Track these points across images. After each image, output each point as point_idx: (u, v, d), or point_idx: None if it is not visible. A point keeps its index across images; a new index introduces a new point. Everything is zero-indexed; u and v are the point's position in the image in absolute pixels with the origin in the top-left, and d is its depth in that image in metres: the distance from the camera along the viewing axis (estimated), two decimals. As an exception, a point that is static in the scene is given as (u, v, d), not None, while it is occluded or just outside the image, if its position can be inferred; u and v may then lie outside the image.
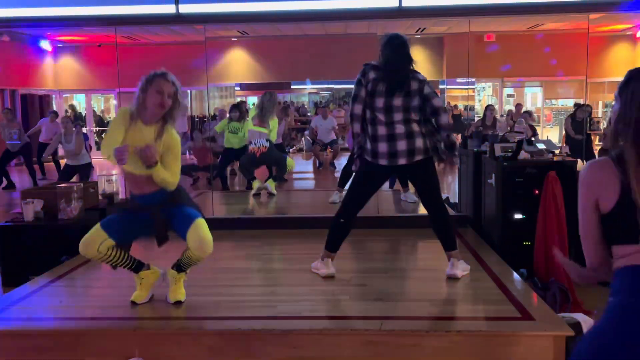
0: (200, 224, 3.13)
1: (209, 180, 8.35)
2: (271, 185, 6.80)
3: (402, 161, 3.54)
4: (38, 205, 4.79)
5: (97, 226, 3.22)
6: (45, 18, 5.96)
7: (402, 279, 3.83)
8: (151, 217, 3.16)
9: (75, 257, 4.42)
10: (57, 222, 4.75)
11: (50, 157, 10.53)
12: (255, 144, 6.70)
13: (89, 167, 8.04)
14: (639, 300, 1.58)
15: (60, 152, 10.04)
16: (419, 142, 3.54)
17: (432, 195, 3.71)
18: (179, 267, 3.27)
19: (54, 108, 15.05)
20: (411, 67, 3.66)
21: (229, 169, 8.64)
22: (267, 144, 6.69)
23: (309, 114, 14.24)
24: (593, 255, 1.69)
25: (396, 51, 3.60)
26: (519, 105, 11.01)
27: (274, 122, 6.76)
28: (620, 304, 1.60)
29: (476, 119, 8.56)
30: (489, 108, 8.38)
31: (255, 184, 6.87)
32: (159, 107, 3.06)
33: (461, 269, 3.71)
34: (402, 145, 3.52)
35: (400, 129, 3.53)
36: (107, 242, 3.16)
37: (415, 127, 3.55)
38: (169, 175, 3.09)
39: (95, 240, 3.16)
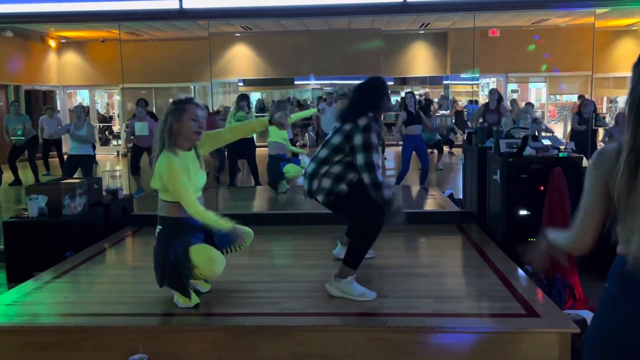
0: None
1: (217, 178, 8.35)
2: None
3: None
4: (42, 201, 4.80)
5: (204, 247, 3.17)
6: (48, 14, 5.95)
7: (406, 276, 3.82)
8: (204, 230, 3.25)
9: (80, 253, 4.43)
10: (62, 218, 4.75)
11: (56, 152, 10.53)
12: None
13: (91, 159, 8.05)
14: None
15: (64, 148, 10.06)
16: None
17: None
18: None
19: (58, 104, 15.08)
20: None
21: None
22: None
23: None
24: (585, 242, 1.69)
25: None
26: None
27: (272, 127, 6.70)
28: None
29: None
30: (492, 92, 8.26)
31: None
32: (197, 134, 3.12)
33: (337, 288, 3.31)
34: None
35: None
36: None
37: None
38: (235, 126, 3.73)
39: (219, 258, 3.17)
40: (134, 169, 8.05)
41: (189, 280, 3.17)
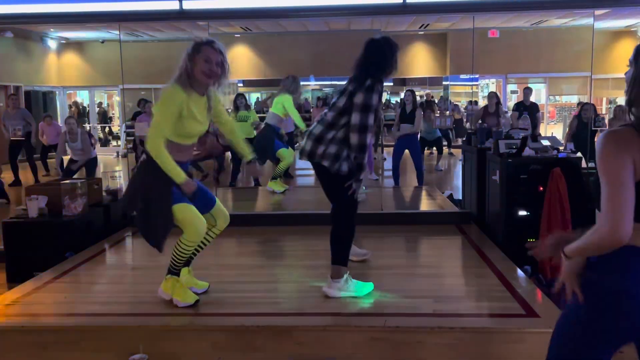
0: (219, 204, 3.32)
1: (216, 178, 8.37)
2: (272, 186, 6.73)
3: None
4: (42, 201, 4.80)
5: (185, 205, 3.05)
6: (49, 14, 5.96)
7: (405, 276, 3.83)
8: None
9: (79, 254, 4.44)
10: (62, 219, 4.75)
11: (55, 153, 10.52)
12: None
13: (94, 161, 8.05)
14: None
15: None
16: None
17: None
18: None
19: (57, 104, 15.07)
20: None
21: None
22: (262, 125, 6.52)
23: (311, 109, 14.21)
24: (628, 227, 1.54)
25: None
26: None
27: (277, 99, 6.43)
28: (619, 288, 1.60)
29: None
30: (490, 96, 8.27)
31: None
32: (207, 76, 3.00)
33: (337, 289, 3.33)
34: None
35: None
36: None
37: None
38: (238, 130, 3.39)
39: (201, 219, 3.10)
40: None
41: (167, 234, 3.08)
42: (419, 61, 15.00)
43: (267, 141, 6.46)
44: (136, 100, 11.47)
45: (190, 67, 2.99)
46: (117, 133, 16.05)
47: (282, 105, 6.42)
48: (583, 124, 8.02)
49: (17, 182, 9.63)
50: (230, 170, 8.39)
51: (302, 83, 6.78)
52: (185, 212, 3.04)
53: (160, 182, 2.98)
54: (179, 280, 3.23)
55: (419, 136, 8.20)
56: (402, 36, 13.95)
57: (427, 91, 15.69)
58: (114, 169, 10.55)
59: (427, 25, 11.25)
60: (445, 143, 13.00)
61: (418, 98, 8.81)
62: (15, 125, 9.40)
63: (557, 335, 1.76)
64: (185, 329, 2.97)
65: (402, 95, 8.52)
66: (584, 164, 5.06)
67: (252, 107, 12.67)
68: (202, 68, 2.98)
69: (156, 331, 2.97)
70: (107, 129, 16.41)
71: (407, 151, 7.87)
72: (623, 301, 1.59)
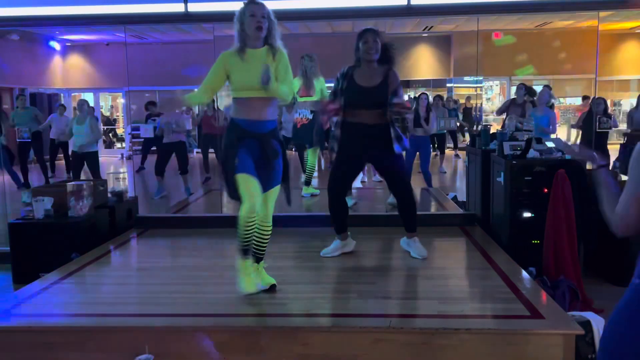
0: (273, 194, 3.46)
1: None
2: (306, 191, 6.52)
3: None
4: (48, 203, 4.82)
5: (245, 176, 3.21)
6: (54, 17, 5.99)
7: (410, 277, 3.83)
8: (261, 144, 3.26)
9: (85, 255, 4.46)
10: (67, 220, 4.78)
11: (62, 155, 10.54)
12: (299, 114, 6.19)
13: (96, 155, 8.03)
14: None
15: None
16: None
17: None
18: (256, 258, 3.41)
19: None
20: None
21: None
22: (310, 116, 6.12)
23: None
24: (627, 231, 1.66)
25: None
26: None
27: (319, 83, 6.09)
28: None
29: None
30: (519, 87, 8.13)
31: None
32: (257, 29, 3.25)
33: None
34: None
35: None
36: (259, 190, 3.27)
37: None
38: (285, 88, 3.28)
39: (256, 190, 3.23)
40: (159, 170, 7.93)
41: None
42: (422, 63, 14.99)
43: (319, 128, 6.09)
44: (140, 102, 11.49)
45: (241, 28, 3.29)
46: (121, 135, 16.10)
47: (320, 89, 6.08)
48: (592, 116, 7.89)
49: (25, 185, 9.65)
50: None
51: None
52: (242, 183, 3.21)
53: (229, 153, 3.26)
54: (242, 264, 3.32)
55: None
56: (405, 38, 13.95)
57: (438, 93, 15.71)
58: (119, 171, 10.60)
59: (431, 27, 11.27)
60: (451, 145, 12.96)
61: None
62: (24, 119, 9.41)
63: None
64: (190, 330, 2.98)
65: (416, 96, 8.49)
66: (588, 166, 5.04)
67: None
68: (250, 23, 3.27)
69: (162, 332, 2.98)
70: (110, 133, 16.45)
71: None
72: None
